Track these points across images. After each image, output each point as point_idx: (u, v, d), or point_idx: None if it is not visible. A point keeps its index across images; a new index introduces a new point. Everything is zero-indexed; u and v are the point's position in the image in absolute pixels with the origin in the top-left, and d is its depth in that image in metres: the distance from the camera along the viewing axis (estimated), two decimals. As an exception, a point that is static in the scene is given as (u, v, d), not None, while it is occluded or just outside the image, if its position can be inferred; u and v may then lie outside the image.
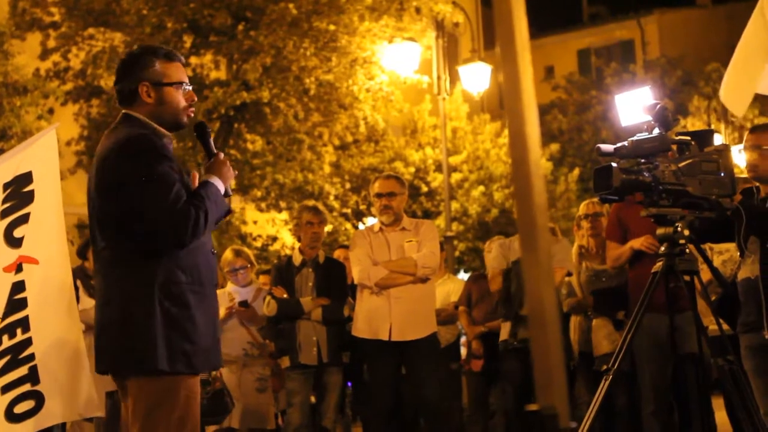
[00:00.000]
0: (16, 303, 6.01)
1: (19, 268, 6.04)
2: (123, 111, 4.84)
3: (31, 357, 5.92)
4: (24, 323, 5.96)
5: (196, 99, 4.97)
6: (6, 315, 5.98)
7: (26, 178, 6.17)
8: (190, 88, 4.95)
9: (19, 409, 5.93)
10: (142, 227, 4.56)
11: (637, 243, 7.45)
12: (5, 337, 5.97)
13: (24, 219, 6.13)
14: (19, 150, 6.47)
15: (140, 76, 4.79)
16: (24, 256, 6.05)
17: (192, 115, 4.98)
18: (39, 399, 5.91)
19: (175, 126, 4.90)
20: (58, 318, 5.47)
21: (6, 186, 6.21)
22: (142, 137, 4.66)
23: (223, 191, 4.87)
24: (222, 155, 4.99)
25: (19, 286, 6.03)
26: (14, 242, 6.11)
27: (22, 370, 5.92)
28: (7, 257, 6.10)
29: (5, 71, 18.86)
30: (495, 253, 9.16)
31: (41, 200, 5.69)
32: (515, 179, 2.32)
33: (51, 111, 19.44)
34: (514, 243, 9.06)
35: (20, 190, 6.16)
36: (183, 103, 4.87)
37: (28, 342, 5.94)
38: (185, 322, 4.61)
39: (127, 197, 4.55)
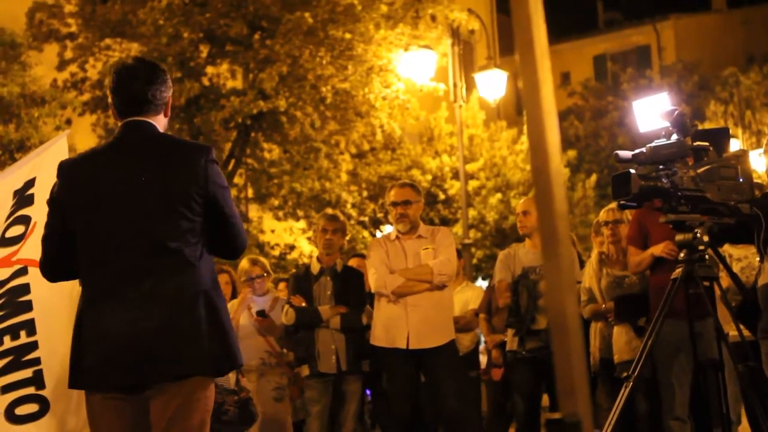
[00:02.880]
0: (21, 305, 6.00)
1: (23, 271, 6.06)
2: (134, 119, 4.76)
3: (37, 361, 5.91)
4: (29, 326, 5.95)
5: None
6: (8, 316, 5.98)
7: (30, 183, 6.20)
8: None
9: (21, 411, 5.90)
10: (229, 241, 4.80)
11: (657, 250, 7.42)
12: (7, 338, 5.95)
13: (21, 220, 6.14)
14: (31, 158, 6.50)
15: (169, 91, 4.84)
16: (27, 259, 6.06)
17: None
18: (43, 404, 5.90)
19: None
20: (64, 323, 5.46)
21: (16, 194, 6.24)
22: (210, 150, 4.77)
23: None
24: None
25: (23, 289, 6.03)
26: (6, 242, 6.13)
27: (26, 373, 5.91)
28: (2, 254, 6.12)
29: (23, 82, 18.96)
30: (499, 266, 9.11)
31: (44, 204, 5.71)
32: (536, 187, 2.31)
33: (69, 122, 19.53)
34: (519, 251, 9.02)
35: (23, 194, 6.19)
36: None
37: (33, 345, 5.93)
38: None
39: (214, 206, 4.67)
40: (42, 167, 6.23)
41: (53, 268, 4.88)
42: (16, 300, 6.03)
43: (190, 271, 4.58)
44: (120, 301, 4.55)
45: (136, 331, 4.50)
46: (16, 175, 6.36)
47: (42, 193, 6.16)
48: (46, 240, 4.81)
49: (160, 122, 4.82)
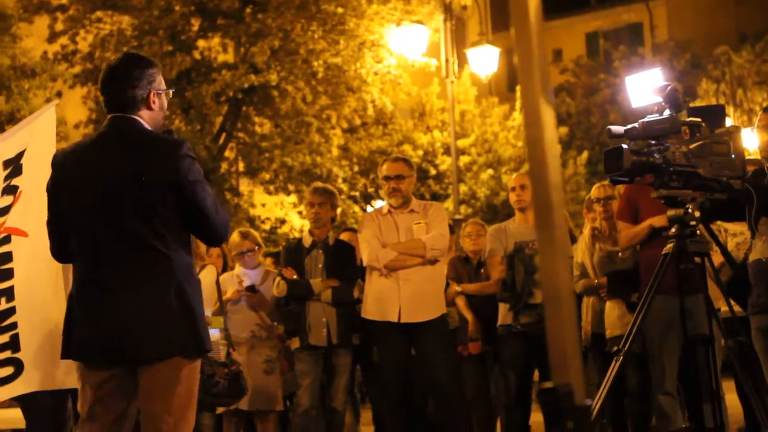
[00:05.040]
0: (2, 273, 6.07)
1: (6, 239, 6.09)
2: (118, 114, 5.02)
3: (14, 325, 5.98)
4: (9, 293, 6.03)
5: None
6: None
7: (21, 154, 6.22)
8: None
9: None
10: (204, 233, 5.05)
11: (656, 221, 7.40)
12: None
13: (9, 190, 6.17)
14: (20, 127, 6.53)
15: (151, 85, 5.05)
16: (11, 227, 6.08)
17: None
18: (18, 366, 5.97)
19: (159, 129, 5.16)
20: (43, 290, 5.52)
21: (7, 163, 6.26)
22: (184, 144, 4.96)
23: None
24: None
25: (6, 257, 6.09)
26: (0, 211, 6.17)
27: (4, 338, 5.99)
28: None
29: (13, 54, 18.92)
30: (490, 239, 9.07)
31: (33, 175, 5.72)
32: (530, 158, 2.32)
33: (59, 94, 19.48)
34: (510, 226, 9.01)
35: (17, 165, 6.21)
36: (165, 109, 5.22)
37: (11, 311, 6.01)
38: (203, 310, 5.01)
39: (188, 203, 4.86)
40: (32, 138, 6.25)
41: (59, 252, 5.14)
42: None
43: (162, 262, 4.82)
44: (98, 289, 4.85)
45: (111, 317, 4.81)
46: (5, 145, 6.40)
47: (30, 163, 6.19)
48: (47, 226, 5.06)
49: (145, 116, 5.02)
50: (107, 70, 5.15)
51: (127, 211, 4.82)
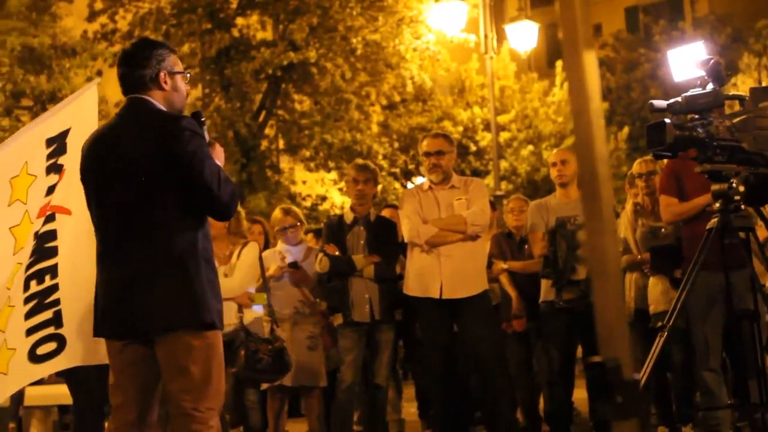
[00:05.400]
0: (47, 251, 6.12)
1: (51, 218, 6.14)
2: (131, 96, 5.24)
3: (57, 302, 6.03)
4: (53, 270, 6.08)
5: (191, 89, 5.54)
6: (36, 262, 6.09)
7: (66, 134, 6.26)
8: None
9: (41, 350, 6.04)
10: (205, 206, 5.08)
11: (706, 199, 7.25)
12: (33, 283, 6.08)
13: (55, 168, 6.21)
14: (62, 106, 6.55)
15: (160, 65, 5.23)
16: (56, 206, 6.14)
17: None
18: (61, 341, 6.02)
19: (178, 111, 5.33)
20: (85, 267, 5.55)
21: (50, 141, 6.31)
22: (188, 119, 5.13)
23: None
24: (218, 144, 5.43)
25: (51, 235, 6.14)
26: (48, 191, 6.21)
27: (47, 314, 6.03)
28: (40, 204, 6.21)
29: (53, 34, 19.03)
30: (531, 215, 9.02)
31: (76, 153, 5.75)
32: (576, 130, 2.29)
33: (99, 73, 19.55)
34: (551, 201, 8.96)
35: (62, 144, 6.25)
36: (185, 91, 5.39)
37: (55, 288, 6.06)
38: (216, 285, 5.13)
39: (188, 177, 4.98)
40: (75, 117, 6.28)
41: None
42: (44, 246, 6.15)
43: (162, 236, 5.01)
44: (110, 262, 5.12)
45: (117, 289, 5.06)
46: (47, 124, 6.45)
47: (74, 142, 6.23)
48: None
49: (157, 96, 5.22)
50: (120, 55, 5.44)
51: (130, 187, 5.03)
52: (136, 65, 5.24)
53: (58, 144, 6.30)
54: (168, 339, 5.02)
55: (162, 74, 5.21)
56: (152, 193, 5.01)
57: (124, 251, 5.08)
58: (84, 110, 5.67)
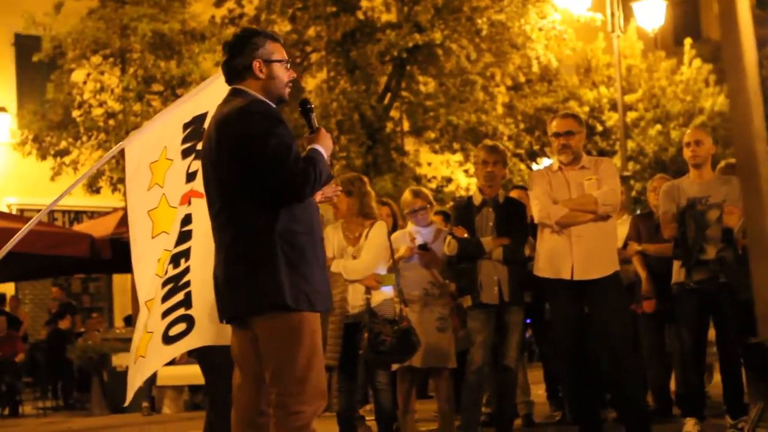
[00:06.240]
0: (184, 235, 6.22)
1: (189, 202, 6.24)
2: (232, 87, 5.38)
3: (188, 284, 6.11)
4: (187, 254, 6.17)
5: (295, 76, 5.55)
6: (176, 247, 6.20)
7: (202, 118, 6.34)
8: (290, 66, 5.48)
9: (173, 331, 6.14)
10: (269, 184, 5.08)
11: None
12: (170, 267, 6.19)
13: (192, 153, 6.30)
14: (197, 92, 6.64)
15: (254, 54, 5.29)
16: (194, 190, 6.23)
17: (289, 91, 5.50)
18: (190, 322, 6.10)
19: (279, 100, 5.39)
20: (212, 249, 5.62)
21: (186, 126, 6.41)
22: (261, 103, 5.23)
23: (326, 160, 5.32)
24: (323, 130, 5.41)
25: (187, 219, 6.24)
26: (189, 177, 6.31)
27: (180, 296, 6.12)
28: (183, 191, 6.31)
29: (183, 19, 19.30)
30: (663, 197, 8.88)
31: None
32: (732, 108, 2.24)
33: (228, 57, 19.75)
34: (683, 183, 8.81)
35: (199, 129, 6.34)
36: (286, 79, 5.39)
37: (187, 270, 6.15)
38: (303, 266, 5.12)
39: (254, 157, 5.06)
40: (211, 101, 6.36)
41: None
42: (182, 230, 6.23)
43: (240, 220, 5.15)
44: (214, 245, 5.34)
45: (215, 273, 5.30)
46: (184, 108, 6.56)
47: None
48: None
49: (253, 85, 5.31)
50: (223, 44, 5.60)
51: (216, 175, 5.23)
52: (232, 55, 5.35)
53: (193, 128, 6.39)
54: (255, 322, 5.14)
55: (256, 63, 5.28)
56: (229, 180, 5.15)
57: (217, 234, 5.29)
58: (218, 95, 5.73)
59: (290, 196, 5.11)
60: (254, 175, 5.07)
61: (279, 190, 5.09)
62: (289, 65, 5.43)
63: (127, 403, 6.88)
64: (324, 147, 5.26)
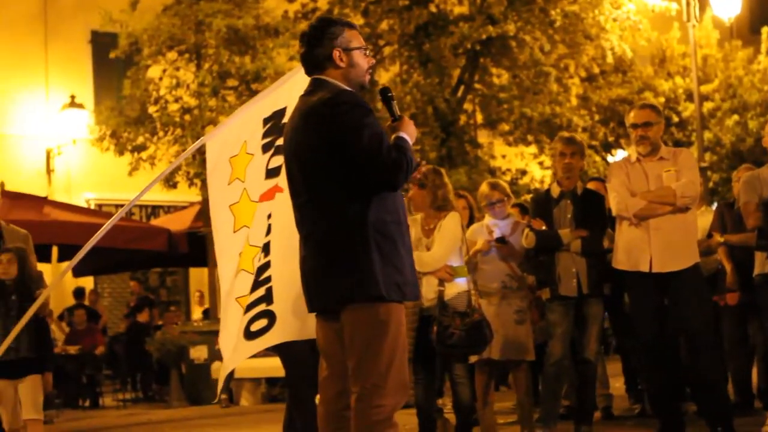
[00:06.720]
0: (266, 230, 6.25)
1: (274, 197, 6.27)
2: (313, 77, 5.37)
3: (269, 279, 6.14)
4: (267, 248, 6.21)
5: (374, 62, 5.62)
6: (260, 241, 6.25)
7: (282, 113, 6.38)
8: (369, 52, 5.48)
9: (254, 327, 6.17)
10: (364, 174, 5.06)
11: None
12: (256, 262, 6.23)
13: (278, 150, 6.33)
14: (276, 87, 6.68)
15: (333, 43, 5.29)
16: (278, 186, 6.26)
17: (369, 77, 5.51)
18: (271, 318, 6.13)
19: (359, 87, 5.39)
20: (295, 243, 5.65)
21: (266, 121, 6.46)
22: (348, 93, 5.22)
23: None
24: (406, 117, 5.38)
25: (270, 215, 6.27)
26: (270, 173, 6.34)
27: (261, 291, 6.16)
28: (264, 187, 6.35)
29: (257, 14, 19.41)
30: (744, 188, 8.76)
31: None
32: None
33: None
34: (764, 173, 8.68)
35: (278, 124, 6.37)
36: (366, 65, 5.40)
37: (267, 265, 6.18)
38: (394, 256, 5.14)
39: (347, 148, 5.04)
40: (290, 96, 6.39)
41: None
42: (266, 224, 6.27)
43: (328, 211, 5.14)
44: (300, 237, 5.34)
45: (303, 264, 5.30)
46: (263, 103, 6.60)
47: None
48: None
49: (334, 74, 5.31)
50: (300, 36, 5.56)
51: (302, 167, 5.23)
52: (310, 45, 5.34)
53: (272, 123, 6.43)
54: (344, 312, 5.13)
55: (335, 52, 5.28)
56: (319, 171, 5.14)
57: (303, 227, 5.28)
58: (298, 89, 5.77)
59: (385, 186, 5.11)
60: (347, 165, 5.06)
61: (374, 180, 5.07)
62: (367, 52, 5.43)
63: (217, 399, 6.95)
64: (408, 134, 5.26)
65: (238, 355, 6.34)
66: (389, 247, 5.11)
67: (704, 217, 10.22)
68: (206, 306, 21.57)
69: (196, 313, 21.96)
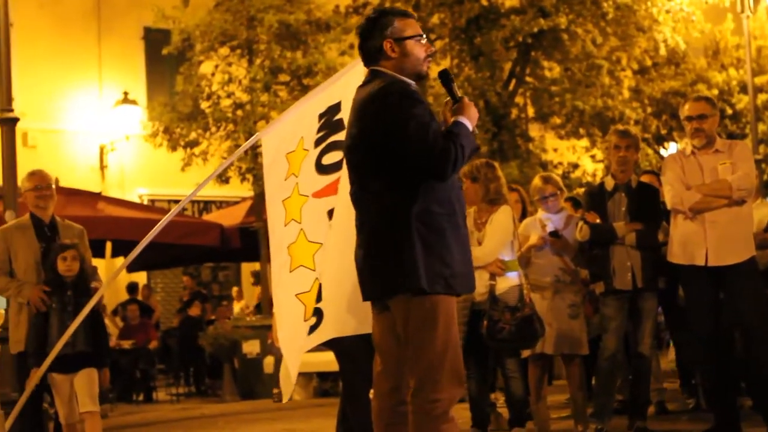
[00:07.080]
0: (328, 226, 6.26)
1: (336, 191, 6.27)
2: (370, 68, 5.40)
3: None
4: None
5: (434, 50, 5.54)
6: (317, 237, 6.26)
7: (336, 108, 6.38)
8: (425, 40, 5.43)
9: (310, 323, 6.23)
10: (410, 165, 5.05)
11: None
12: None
13: (333, 146, 6.33)
14: (331, 82, 6.70)
15: (383, 34, 5.30)
16: (333, 183, 6.26)
17: (430, 65, 5.49)
18: (320, 316, 6.17)
19: (416, 76, 5.37)
20: (345, 241, 5.65)
21: (321, 116, 6.47)
22: (397, 84, 5.19)
23: (471, 130, 5.24)
24: (467, 99, 5.34)
25: (332, 211, 6.27)
26: (323, 169, 6.35)
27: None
28: (317, 183, 6.36)
29: (308, 9, 19.46)
30: None
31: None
32: None
33: (352, 46, 19.85)
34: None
35: (331, 119, 6.38)
36: (422, 54, 5.37)
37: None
38: (441, 248, 5.09)
39: (393, 138, 5.04)
40: (344, 92, 6.39)
41: None
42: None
43: (375, 203, 5.17)
44: (356, 230, 5.35)
45: (356, 255, 5.31)
46: (319, 99, 6.62)
47: (345, 116, 6.34)
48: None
49: (388, 65, 5.32)
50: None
51: (359, 159, 5.27)
52: (364, 37, 5.39)
53: (326, 118, 6.44)
54: (392, 304, 5.15)
55: (387, 44, 5.28)
56: (368, 161, 5.17)
57: (359, 216, 5.31)
58: (353, 84, 5.78)
59: (432, 175, 5.07)
60: (394, 156, 5.06)
61: (420, 171, 5.05)
62: (424, 39, 5.40)
63: (285, 399, 7.02)
64: (468, 117, 5.22)
65: (300, 351, 6.38)
66: (435, 239, 5.08)
67: (760, 210, 10.12)
68: (243, 301, 21.74)
69: (236, 308, 22.06)
